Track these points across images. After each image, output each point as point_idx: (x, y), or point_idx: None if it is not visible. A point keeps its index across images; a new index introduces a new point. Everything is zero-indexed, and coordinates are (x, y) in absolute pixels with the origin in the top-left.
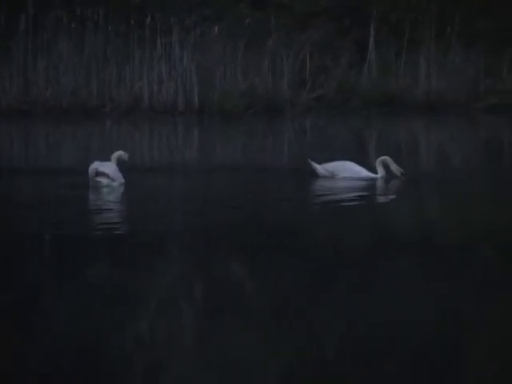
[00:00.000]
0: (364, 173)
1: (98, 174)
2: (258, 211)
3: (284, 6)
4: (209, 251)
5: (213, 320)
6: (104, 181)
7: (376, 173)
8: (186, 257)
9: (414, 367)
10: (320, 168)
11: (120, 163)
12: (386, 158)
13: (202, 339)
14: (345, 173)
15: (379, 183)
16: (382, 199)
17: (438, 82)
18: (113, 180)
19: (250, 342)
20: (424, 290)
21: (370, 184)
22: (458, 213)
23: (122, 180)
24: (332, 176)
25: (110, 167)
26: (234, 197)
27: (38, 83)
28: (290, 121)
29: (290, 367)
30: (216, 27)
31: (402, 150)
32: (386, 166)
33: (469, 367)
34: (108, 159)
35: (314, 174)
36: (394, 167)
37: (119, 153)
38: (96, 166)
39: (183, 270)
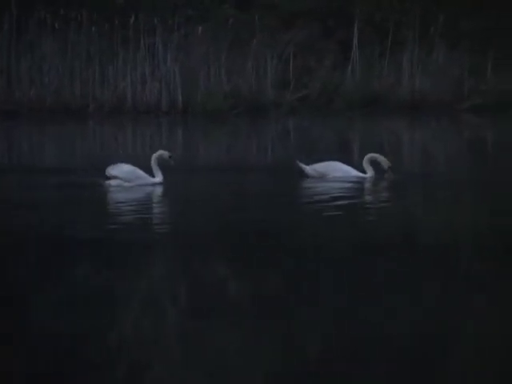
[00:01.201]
0: (353, 172)
1: (110, 176)
2: (245, 212)
3: (268, 7)
4: (194, 253)
5: (199, 321)
6: (113, 183)
7: (363, 172)
8: (171, 258)
9: (401, 366)
10: (309, 169)
11: (161, 163)
12: (373, 154)
13: (188, 340)
14: (334, 173)
15: (368, 183)
16: (370, 200)
17: (421, 82)
18: (126, 181)
19: (235, 343)
20: (411, 291)
21: (359, 184)
22: (443, 213)
23: (156, 179)
24: (321, 176)
25: (122, 169)
26: (218, 198)
27: (22, 83)
28: (274, 121)
29: (275, 367)
30: (200, 28)
31: (386, 150)
32: (374, 164)
33: (455, 366)
34: (103, 160)
35: (303, 175)
36: (382, 159)
37: (160, 152)
38: (109, 168)
39: (167, 271)
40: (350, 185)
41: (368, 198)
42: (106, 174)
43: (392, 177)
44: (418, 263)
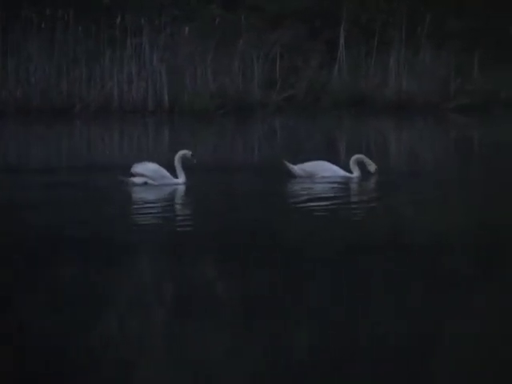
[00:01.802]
0: (341, 172)
1: (135, 174)
2: (234, 212)
3: (254, 7)
4: (182, 253)
5: (188, 321)
6: (138, 181)
7: (350, 172)
8: (159, 259)
9: (387, 366)
10: (297, 168)
11: (184, 162)
12: (360, 155)
13: (176, 340)
14: (323, 172)
15: (355, 183)
16: (357, 200)
17: (408, 82)
18: (151, 180)
19: (224, 343)
20: (400, 290)
21: (346, 184)
22: (431, 213)
23: (179, 180)
24: (309, 176)
25: (148, 168)
26: (208, 198)
27: (8, 83)
28: (261, 121)
29: (263, 368)
30: (186, 28)
31: (373, 150)
32: (360, 164)
33: (442, 366)
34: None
35: (290, 175)
36: (368, 161)
37: (183, 152)
38: (134, 166)
39: (156, 271)
40: (337, 185)
41: (356, 198)
42: (131, 171)
43: (378, 177)
44: (406, 263)
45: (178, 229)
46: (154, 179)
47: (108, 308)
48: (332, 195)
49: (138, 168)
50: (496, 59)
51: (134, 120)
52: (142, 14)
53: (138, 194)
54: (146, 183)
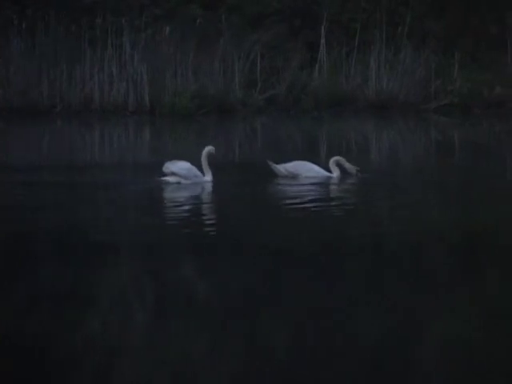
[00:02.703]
0: (322, 172)
1: (168, 173)
2: (217, 213)
3: (235, 7)
4: (162, 255)
5: (167, 321)
6: (171, 179)
7: (331, 173)
8: (137, 261)
9: (363, 366)
10: (280, 168)
11: (211, 159)
12: (339, 158)
13: (156, 340)
14: (305, 172)
15: (335, 183)
16: (339, 200)
17: (388, 82)
18: (183, 179)
19: (203, 343)
20: (375, 291)
21: (327, 184)
22: (411, 212)
23: (208, 178)
24: (292, 176)
25: (181, 166)
26: (189, 197)
27: None
28: (242, 121)
29: (242, 367)
30: (167, 28)
31: (354, 150)
32: (340, 166)
33: (420, 366)
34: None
35: (273, 175)
36: (347, 166)
37: (209, 148)
38: (167, 164)
39: (136, 273)
40: (318, 185)
41: (336, 198)
42: (164, 170)
43: (359, 177)
44: (385, 263)
45: (164, 228)
46: (187, 178)
47: (79, 308)
48: (313, 195)
49: (172, 167)
50: (476, 59)
51: (115, 120)
52: (123, 15)
53: (174, 193)
54: (179, 182)
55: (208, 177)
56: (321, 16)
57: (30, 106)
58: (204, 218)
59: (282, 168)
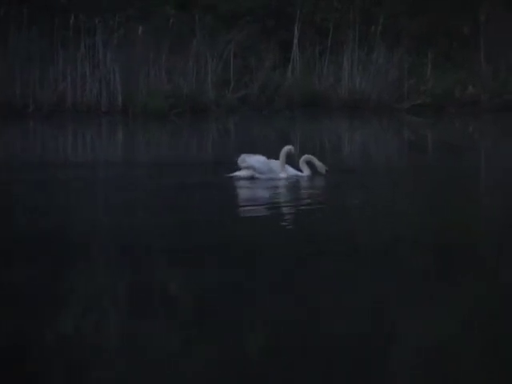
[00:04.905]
0: (292, 171)
1: (242, 167)
2: (187, 213)
3: (208, 7)
4: (133, 255)
5: (142, 322)
6: (245, 174)
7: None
8: (110, 260)
9: (341, 366)
10: (252, 161)
11: (288, 158)
12: (309, 156)
13: (130, 341)
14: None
15: (305, 182)
16: (306, 199)
17: (361, 82)
18: (259, 173)
19: (175, 344)
20: (349, 291)
21: (297, 183)
22: (381, 214)
23: (283, 175)
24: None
25: (258, 159)
26: (159, 199)
27: None
28: (215, 121)
29: (213, 368)
30: (140, 27)
31: (326, 149)
32: (310, 164)
33: (394, 368)
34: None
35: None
36: (318, 164)
37: (289, 147)
38: (242, 157)
39: (108, 273)
40: (289, 184)
41: (305, 197)
42: (239, 163)
43: (329, 177)
44: (357, 264)
45: (122, 230)
46: (262, 172)
47: (51, 309)
48: (282, 195)
49: (248, 159)
50: (450, 59)
51: (87, 120)
52: (96, 14)
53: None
54: (252, 177)
55: (283, 174)
56: (294, 16)
57: (3, 105)
58: None
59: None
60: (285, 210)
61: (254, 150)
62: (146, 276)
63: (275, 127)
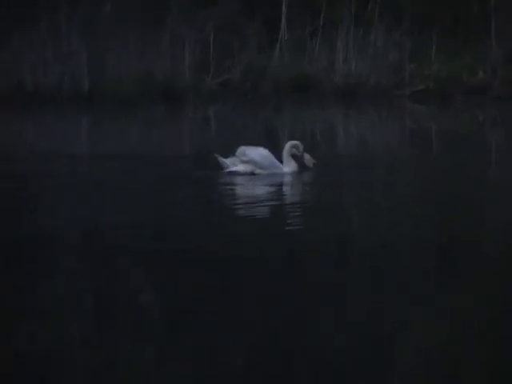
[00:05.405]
0: (279, 166)
1: (242, 160)
2: (163, 212)
3: None
4: (103, 257)
5: (112, 333)
6: (245, 169)
7: (287, 165)
8: (74, 261)
9: (341, 366)
10: (227, 161)
11: (293, 152)
12: (295, 142)
13: (99, 353)
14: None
15: (291, 177)
16: (294, 196)
17: (357, 65)
18: (259, 167)
19: (143, 355)
20: (339, 292)
21: (284, 179)
22: (375, 212)
23: (286, 169)
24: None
25: (260, 153)
26: (133, 194)
27: None
28: (192, 109)
29: (187, 380)
30: (109, 3)
31: (317, 141)
32: (296, 157)
33: (394, 368)
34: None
35: (221, 169)
36: (306, 157)
37: (294, 142)
38: (242, 150)
39: (74, 276)
40: (274, 180)
41: (294, 194)
42: (238, 156)
43: (319, 172)
44: (349, 263)
45: (92, 229)
46: (263, 167)
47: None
48: (268, 191)
49: (248, 153)
50: (456, 40)
51: (48, 107)
52: None
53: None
54: (253, 173)
55: (286, 168)
56: None
57: None
58: None
59: (231, 163)
60: (281, 209)
61: (236, 143)
62: (145, 277)
63: (260, 116)
